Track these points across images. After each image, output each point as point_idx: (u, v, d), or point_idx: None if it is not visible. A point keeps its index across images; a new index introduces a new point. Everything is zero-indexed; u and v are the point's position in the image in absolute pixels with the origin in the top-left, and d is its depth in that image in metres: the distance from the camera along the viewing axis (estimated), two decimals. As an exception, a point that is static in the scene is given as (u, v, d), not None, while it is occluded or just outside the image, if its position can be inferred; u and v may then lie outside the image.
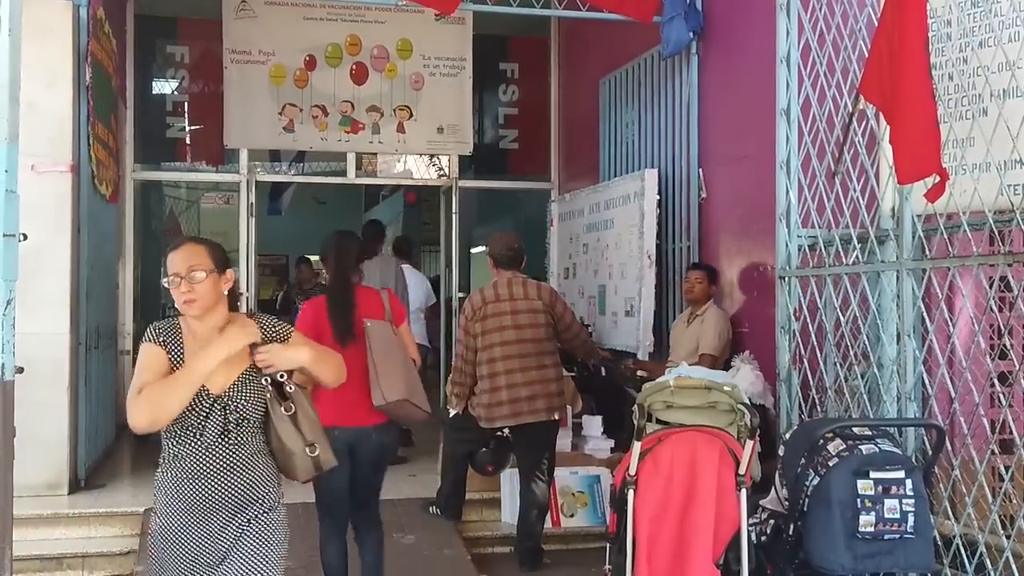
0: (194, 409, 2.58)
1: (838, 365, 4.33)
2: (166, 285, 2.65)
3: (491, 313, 5.02)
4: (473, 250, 13.39)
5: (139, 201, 8.67)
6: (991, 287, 3.57)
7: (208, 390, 2.61)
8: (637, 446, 3.54)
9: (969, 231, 3.58)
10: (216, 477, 2.62)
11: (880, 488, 3.23)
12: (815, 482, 3.35)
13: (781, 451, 3.65)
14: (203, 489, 2.61)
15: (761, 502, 3.69)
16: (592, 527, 5.56)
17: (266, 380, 2.67)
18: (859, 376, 4.22)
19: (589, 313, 7.45)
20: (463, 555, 5.08)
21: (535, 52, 9.36)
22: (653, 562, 3.45)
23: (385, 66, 8.64)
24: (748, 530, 3.46)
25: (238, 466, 2.64)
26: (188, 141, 8.76)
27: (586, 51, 8.61)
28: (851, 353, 4.22)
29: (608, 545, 3.78)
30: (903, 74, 3.39)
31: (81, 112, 5.81)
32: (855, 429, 3.46)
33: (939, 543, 3.52)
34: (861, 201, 4.22)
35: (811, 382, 4.39)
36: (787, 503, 3.51)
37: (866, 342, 4.19)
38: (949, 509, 3.66)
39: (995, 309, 3.66)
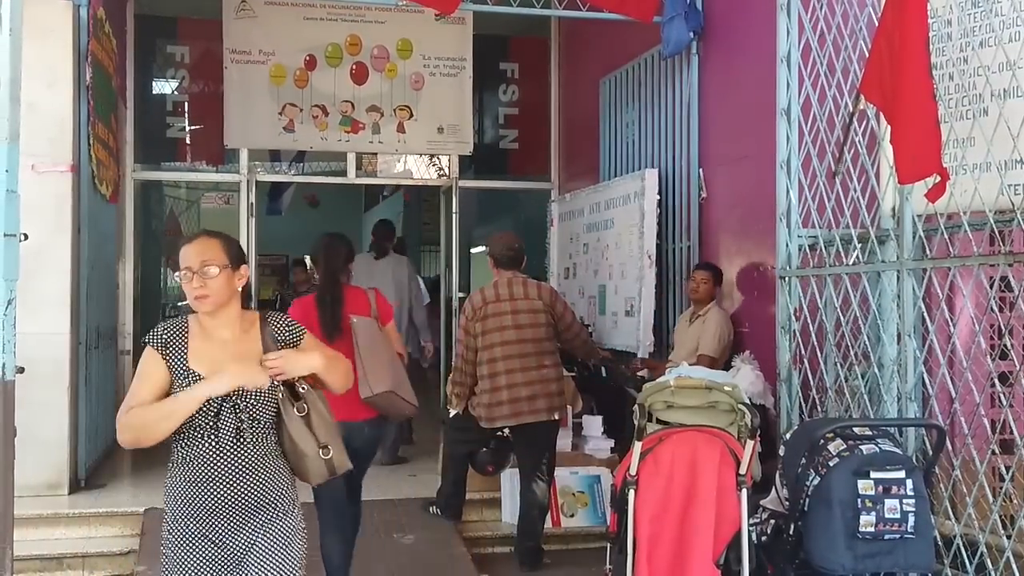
0: (204, 410, 2.50)
1: (838, 365, 4.33)
2: (178, 279, 2.59)
3: (491, 313, 5.02)
4: (473, 250, 13.38)
5: (139, 201, 8.65)
6: (992, 287, 3.57)
7: None
8: (638, 446, 3.54)
9: (970, 231, 3.58)
10: (230, 479, 2.53)
11: (881, 488, 3.23)
12: (815, 482, 3.35)
13: (781, 451, 3.65)
14: (217, 492, 2.53)
15: (761, 502, 3.69)
16: (592, 527, 5.56)
17: (278, 380, 2.59)
18: (859, 376, 4.22)
19: (589, 313, 7.45)
20: (463, 555, 5.08)
21: (535, 52, 9.36)
22: (653, 562, 3.45)
23: (385, 66, 8.63)
24: (748, 530, 3.46)
25: (251, 468, 2.56)
26: (188, 141, 8.75)
27: (586, 51, 8.60)
28: (851, 353, 4.22)
29: (608, 545, 3.78)
30: (904, 74, 3.39)
31: (81, 112, 5.81)
32: (855, 429, 3.46)
33: (939, 543, 3.52)
34: (861, 201, 4.22)
35: (811, 382, 4.39)
36: (787, 503, 3.51)
37: (866, 342, 4.19)
38: (950, 509, 3.66)
39: (996, 309, 3.66)
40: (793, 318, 4.52)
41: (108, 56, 6.62)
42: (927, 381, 3.82)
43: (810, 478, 3.37)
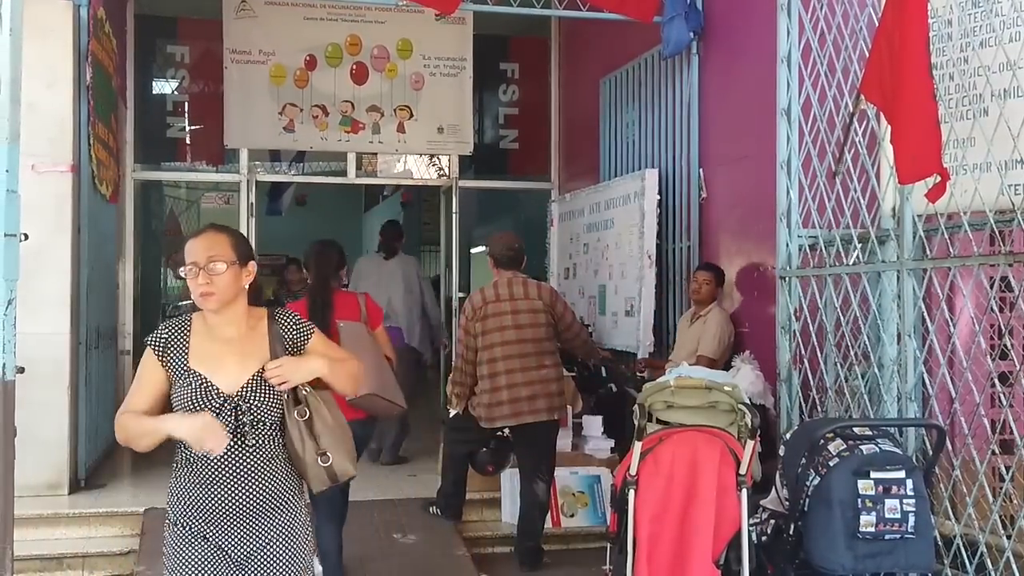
0: (203, 409, 2.44)
1: (838, 365, 4.33)
2: (183, 275, 2.49)
3: (491, 313, 5.03)
4: (473, 250, 13.38)
5: (139, 201, 8.66)
6: (992, 287, 3.57)
7: (219, 389, 2.47)
8: (638, 446, 3.54)
9: (970, 231, 3.58)
10: (232, 482, 2.46)
11: (881, 488, 3.23)
12: (816, 482, 3.35)
13: (781, 451, 3.65)
14: (219, 494, 2.46)
15: (761, 502, 3.70)
16: (592, 527, 5.56)
17: (281, 388, 2.51)
18: (859, 376, 4.22)
19: (589, 313, 7.45)
20: (463, 555, 5.08)
21: (535, 52, 9.36)
22: (653, 562, 3.45)
23: (385, 66, 8.63)
24: (749, 530, 3.46)
25: (255, 470, 2.48)
26: (188, 141, 8.75)
27: (586, 51, 8.60)
28: (851, 353, 4.22)
29: (608, 545, 3.79)
30: (904, 74, 3.39)
31: (81, 112, 5.81)
32: (855, 429, 3.46)
33: (940, 543, 3.52)
34: (862, 201, 4.22)
35: (811, 382, 4.39)
36: (787, 503, 3.51)
37: (866, 342, 4.19)
38: (950, 509, 3.66)
39: (996, 309, 3.66)
40: (793, 318, 4.52)
41: (108, 56, 6.63)
42: (927, 381, 3.82)
43: (810, 478, 3.37)
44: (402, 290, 7.12)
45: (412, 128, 8.72)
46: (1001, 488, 3.44)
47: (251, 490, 2.49)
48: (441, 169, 9.90)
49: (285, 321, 2.62)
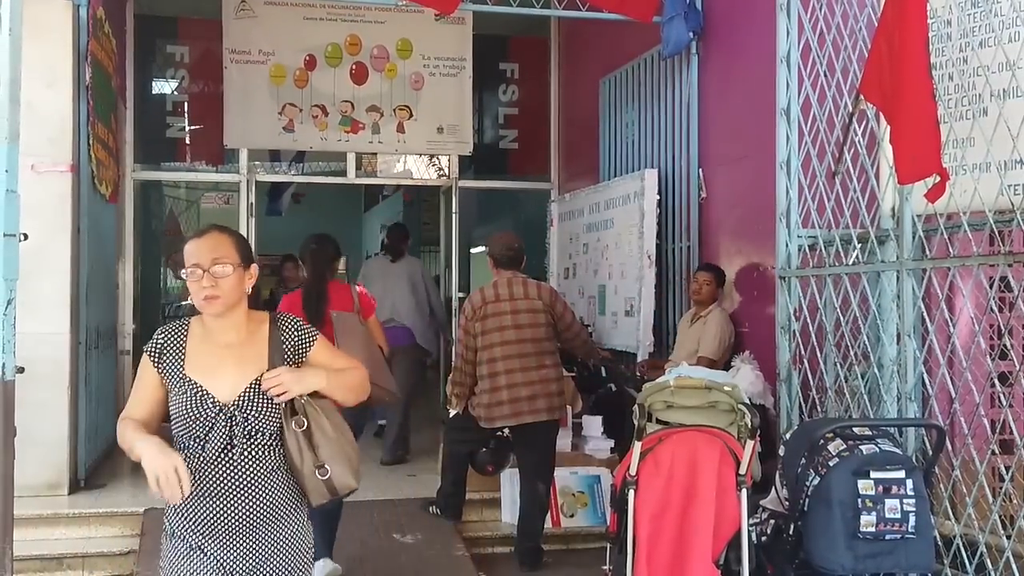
0: (198, 418, 2.36)
1: (838, 365, 4.33)
2: (183, 277, 2.38)
3: (491, 313, 5.03)
4: (473, 250, 13.38)
5: (139, 201, 8.66)
6: (991, 287, 3.58)
7: (214, 397, 2.38)
8: (638, 446, 3.54)
9: (969, 231, 3.58)
10: (228, 495, 2.37)
11: (881, 488, 3.23)
12: (815, 482, 3.35)
13: (781, 451, 3.65)
14: (210, 506, 2.37)
15: (761, 502, 3.70)
16: (592, 527, 5.56)
17: (278, 399, 2.41)
18: (859, 376, 4.23)
19: (589, 313, 7.45)
20: (463, 555, 5.08)
21: (535, 52, 9.36)
22: (653, 562, 3.45)
23: (385, 66, 8.63)
24: (748, 530, 3.46)
25: (252, 484, 2.38)
26: (188, 141, 8.74)
27: (586, 51, 8.60)
28: (851, 353, 4.22)
29: (608, 545, 3.79)
30: (903, 74, 3.39)
31: (81, 112, 5.81)
32: (855, 429, 3.46)
33: (939, 543, 3.52)
34: (861, 201, 4.22)
35: (811, 382, 4.40)
36: (787, 503, 3.51)
37: (866, 342, 4.19)
38: (949, 509, 3.66)
39: (995, 309, 3.66)
40: (793, 318, 4.52)
41: (108, 56, 6.62)
42: (927, 381, 3.82)
43: (810, 478, 3.37)
44: (408, 291, 7.15)
45: (412, 128, 8.72)
46: (1001, 488, 3.44)
47: (248, 503, 2.39)
48: (441, 169, 9.90)
49: (287, 326, 2.53)
